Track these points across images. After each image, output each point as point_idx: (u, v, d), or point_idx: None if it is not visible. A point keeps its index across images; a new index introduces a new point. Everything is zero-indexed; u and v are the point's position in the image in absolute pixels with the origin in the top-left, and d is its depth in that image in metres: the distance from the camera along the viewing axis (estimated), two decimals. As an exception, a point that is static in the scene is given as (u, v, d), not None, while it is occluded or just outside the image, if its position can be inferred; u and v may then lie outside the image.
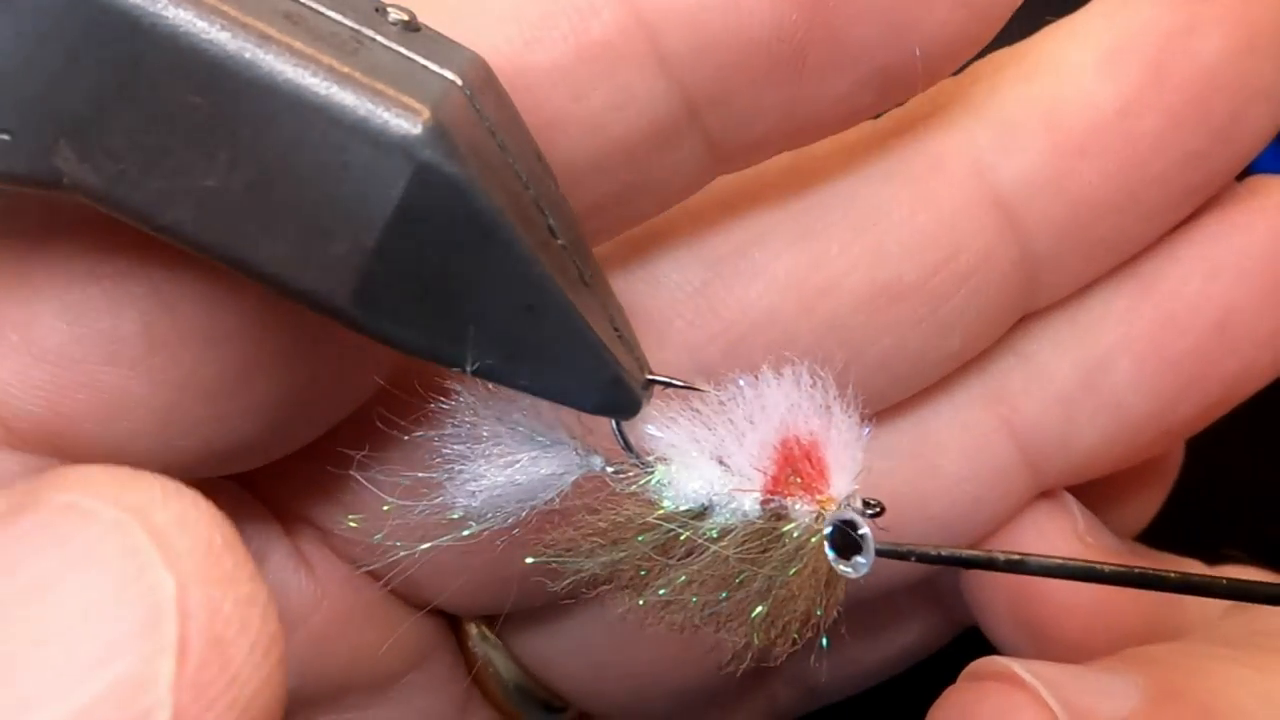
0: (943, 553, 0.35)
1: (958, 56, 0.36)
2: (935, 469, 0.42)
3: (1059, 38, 0.40)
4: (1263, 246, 0.41)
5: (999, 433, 0.43)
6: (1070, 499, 0.44)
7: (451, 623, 0.45)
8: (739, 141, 0.36)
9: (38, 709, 0.22)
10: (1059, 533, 0.44)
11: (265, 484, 0.39)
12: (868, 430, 0.33)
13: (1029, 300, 0.41)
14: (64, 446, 0.32)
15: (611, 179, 0.34)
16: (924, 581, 0.46)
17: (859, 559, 0.33)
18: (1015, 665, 0.37)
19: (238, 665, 0.23)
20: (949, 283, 0.39)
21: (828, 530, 0.33)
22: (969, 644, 0.47)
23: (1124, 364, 0.42)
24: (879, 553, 0.33)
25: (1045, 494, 0.44)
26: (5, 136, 0.27)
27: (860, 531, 0.33)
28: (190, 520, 0.24)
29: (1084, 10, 0.41)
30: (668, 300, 0.39)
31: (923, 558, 0.34)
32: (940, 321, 0.39)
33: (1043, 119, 0.39)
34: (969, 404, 0.43)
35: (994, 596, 0.44)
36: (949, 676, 0.39)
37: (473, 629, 0.45)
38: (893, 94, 0.36)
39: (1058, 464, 0.43)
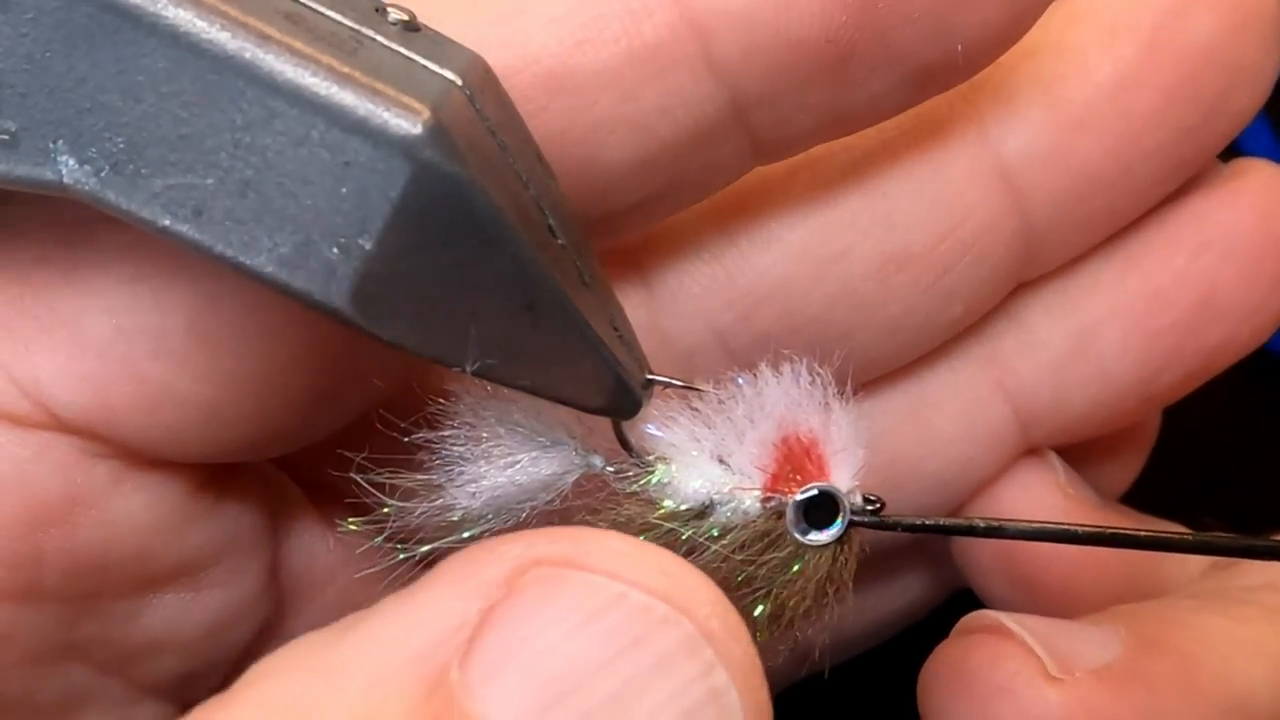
0: (926, 521, 0.36)
1: (997, 52, 0.37)
2: (931, 429, 0.43)
3: (1059, 17, 0.41)
4: (1245, 226, 0.43)
5: (993, 395, 0.44)
6: (1051, 453, 0.46)
7: None
8: (781, 138, 0.36)
9: None
10: (1042, 485, 0.45)
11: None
12: (866, 427, 0.33)
13: (1026, 269, 0.43)
14: (110, 435, 0.32)
15: (657, 177, 0.35)
16: (914, 543, 0.47)
17: (830, 529, 0.33)
18: (1003, 617, 0.39)
19: None
20: (954, 251, 0.40)
21: (801, 497, 0.33)
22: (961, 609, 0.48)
23: (1112, 333, 0.43)
24: (871, 524, 0.33)
25: (1028, 451, 0.46)
26: (4, 136, 0.27)
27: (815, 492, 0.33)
28: (732, 623, 0.24)
29: None
30: (685, 266, 0.39)
31: (908, 527, 0.34)
32: (945, 288, 0.41)
33: (1044, 94, 0.40)
34: (965, 367, 0.44)
35: (981, 554, 0.45)
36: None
37: None
38: (931, 89, 0.37)
39: (1047, 426, 0.44)
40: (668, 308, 0.39)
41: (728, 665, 0.24)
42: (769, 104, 0.35)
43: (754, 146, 0.36)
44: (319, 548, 0.40)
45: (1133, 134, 0.40)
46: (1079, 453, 0.47)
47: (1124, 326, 0.43)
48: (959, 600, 0.49)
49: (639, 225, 0.37)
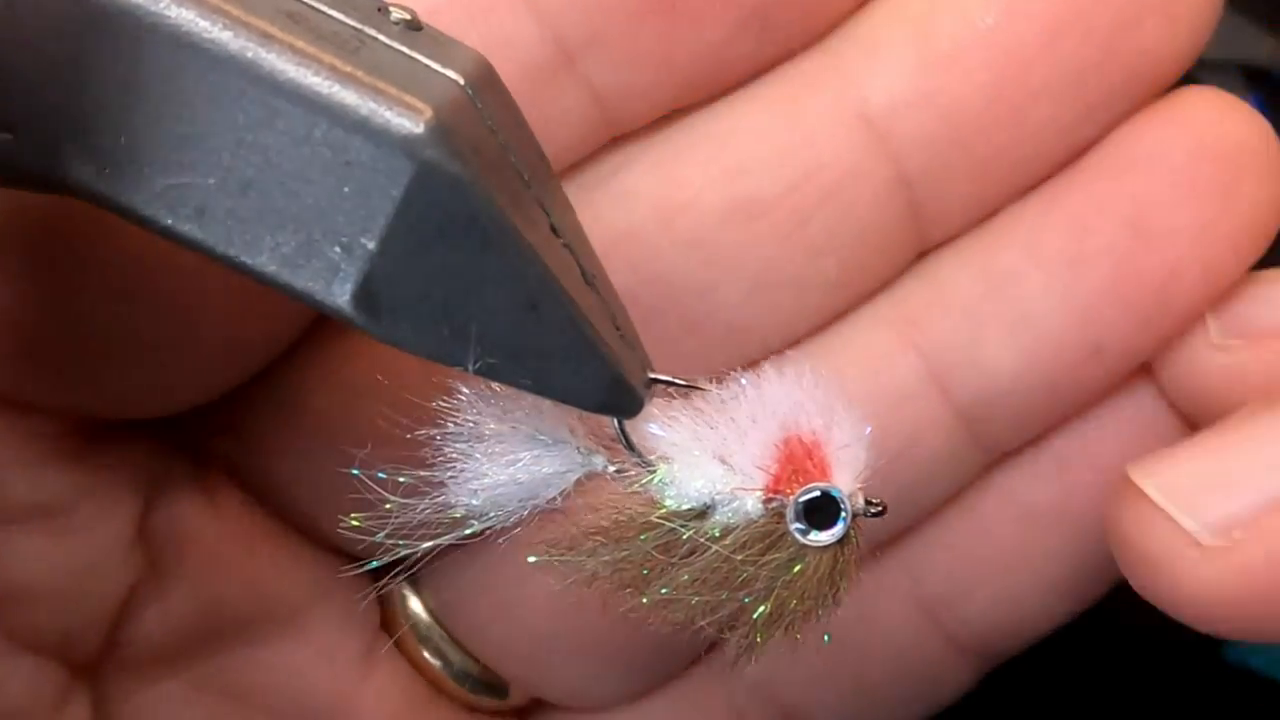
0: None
1: (837, 3, 0.35)
2: None
3: None
4: (1177, 141, 0.39)
5: (899, 350, 0.40)
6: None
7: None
8: (621, 89, 0.36)
9: None
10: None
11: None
12: (869, 428, 0.33)
13: (920, 226, 0.40)
14: None
15: None
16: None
17: (833, 529, 0.33)
18: (1135, 474, 0.34)
19: None
20: (810, 200, 0.38)
21: (802, 498, 0.33)
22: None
23: (1030, 271, 0.39)
24: None
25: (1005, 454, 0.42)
26: (7, 135, 0.27)
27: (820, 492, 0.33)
28: None
29: None
30: None
31: None
32: (807, 240, 0.38)
33: (911, 32, 0.38)
34: (869, 325, 0.41)
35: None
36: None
37: (410, 601, 0.45)
38: (771, 40, 0.36)
39: (972, 382, 0.40)
40: None
41: None
42: (597, 47, 0.34)
43: (597, 100, 0.35)
44: (190, 502, 0.40)
45: (1014, 72, 0.37)
46: None
47: (1043, 261, 0.39)
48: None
49: None
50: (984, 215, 0.40)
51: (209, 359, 0.37)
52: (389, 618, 0.45)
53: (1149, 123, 0.39)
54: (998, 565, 0.43)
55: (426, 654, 0.45)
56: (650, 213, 0.38)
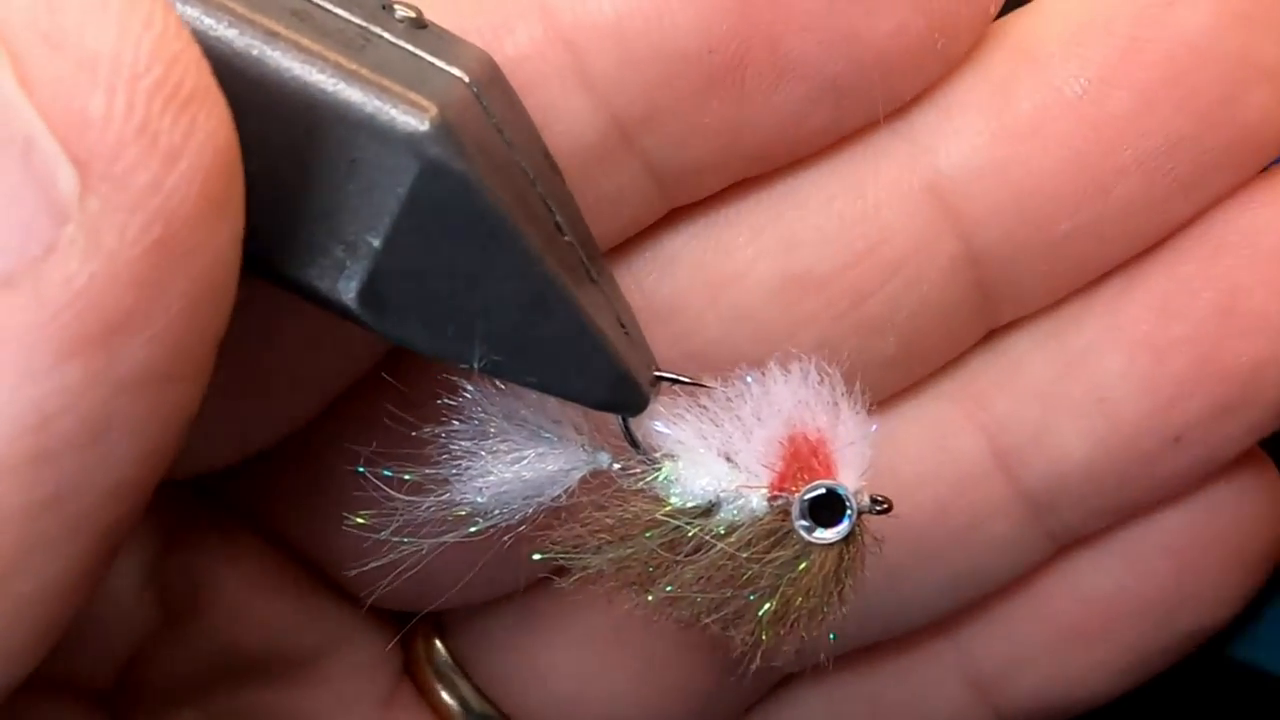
0: None
1: (918, 71, 0.33)
2: (892, 471, 0.36)
3: (1023, 16, 0.36)
4: (1274, 224, 0.36)
5: (964, 430, 0.39)
6: None
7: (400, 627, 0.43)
8: (682, 165, 0.34)
9: None
10: None
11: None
12: (875, 426, 0.33)
13: (989, 304, 0.38)
14: None
15: None
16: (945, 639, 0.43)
17: (839, 526, 0.32)
18: None
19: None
20: (870, 276, 0.36)
21: (807, 495, 0.33)
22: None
23: (1107, 354, 0.37)
24: None
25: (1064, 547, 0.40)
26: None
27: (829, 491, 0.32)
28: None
29: None
30: None
31: None
32: (866, 318, 0.36)
33: (988, 98, 0.35)
34: (933, 400, 0.39)
35: None
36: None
37: (438, 650, 0.44)
38: (849, 111, 0.33)
39: (1038, 467, 0.38)
40: None
41: None
42: (657, 124, 0.33)
43: (655, 177, 0.34)
44: (208, 563, 0.39)
45: (1102, 145, 0.34)
46: None
47: (1124, 345, 0.37)
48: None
49: None
50: (1062, 294, 0.38)
51: (241, 427, 0.36)
52: (413, 664, 0.44)
53: (1246, 203, 0.36)
54: (1053, 647, 0.42)
55: (448, 698, 0.44)
56: (696, 282, 0.36)
